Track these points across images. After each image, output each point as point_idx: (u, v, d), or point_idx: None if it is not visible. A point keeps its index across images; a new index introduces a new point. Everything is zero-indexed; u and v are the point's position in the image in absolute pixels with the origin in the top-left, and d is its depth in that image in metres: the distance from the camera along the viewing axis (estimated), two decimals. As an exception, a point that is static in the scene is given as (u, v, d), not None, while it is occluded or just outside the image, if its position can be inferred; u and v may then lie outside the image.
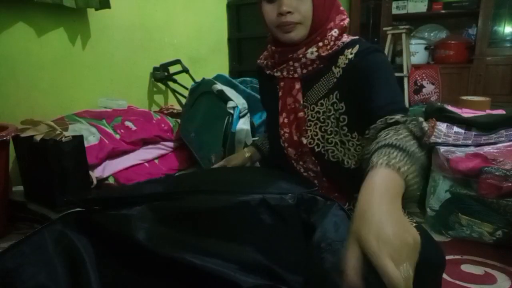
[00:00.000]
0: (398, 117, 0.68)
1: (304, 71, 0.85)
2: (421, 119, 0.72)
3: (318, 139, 0.86)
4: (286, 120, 0.89)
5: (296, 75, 0.86)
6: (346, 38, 0.84)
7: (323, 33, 0.82)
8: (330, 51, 0.83)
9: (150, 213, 0.68)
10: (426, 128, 0.69)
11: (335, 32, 0.83)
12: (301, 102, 0.86)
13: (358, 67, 0.79)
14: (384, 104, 0.73)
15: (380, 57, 0.81)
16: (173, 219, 0.68)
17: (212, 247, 0.63)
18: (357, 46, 0.81)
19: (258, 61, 0.98)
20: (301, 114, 0.86)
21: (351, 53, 0.81)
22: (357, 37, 0.87)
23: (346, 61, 0.81)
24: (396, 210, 0.47)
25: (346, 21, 0.86)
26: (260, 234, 0.66)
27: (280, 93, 0.90)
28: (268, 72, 0.93)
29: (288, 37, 0.82)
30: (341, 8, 0.87)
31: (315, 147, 0.86)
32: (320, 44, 0.82)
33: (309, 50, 0.82)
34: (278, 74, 0.89)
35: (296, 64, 0.85)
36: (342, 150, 0.85)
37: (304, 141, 0.87)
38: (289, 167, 0.93)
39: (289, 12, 0.78)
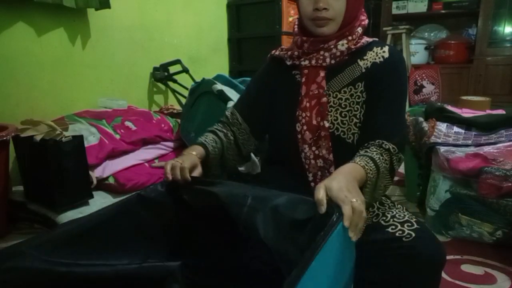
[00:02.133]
0: (390, 147, 0.84)
1: (333, 61, 0.91)
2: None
3: (338, 124, 0.91)
4: (308, 105, 0.93)
5: (324, 64, 0.92)
6: (367, 38, 0.94)
7: (352, 29, 0.90)
8: (357, 45, 0.91)
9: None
10: (400, 164, 0.87)
11: (359, 30, 0.92)
12: (325, 88, 0.92)
13: (391, 72, 0.89)
14: (388, 132, 0.86)
15: (405, 71, 0.93)
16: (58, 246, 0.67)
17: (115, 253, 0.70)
18: (387, 47, 0.91)
19: (276, 52, 1.01)
20: (324, 99, 0.91)
21: (384, 51, 0.90)
22: (376, 38, 0.95)
23: (379, 59, 0.90)
24: (352, 181, 0.70)
25: (366, 22, 0.94)
26: (148, 228, 0.76)
27: (303, 80, 0.94)
28: (289, 62, 0.97)
29: (321, 31, 0.88)
30: (363, 9, 0.96)
31: (335, 131, 0.91)
32: (350, 38, 0.90)
33: (340, 42, 0.89)
34: (306, 63, 0.93)
35: (326, 54, 0.91)
36: None
37: (326, 124, 0.91)
38: (297, 154, 0.95)
39: (324, 9, 0.85)
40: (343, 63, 0.92)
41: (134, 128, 1.77)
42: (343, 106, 0.91)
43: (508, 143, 1.37)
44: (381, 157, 0.80)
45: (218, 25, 2.97)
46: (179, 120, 2.02)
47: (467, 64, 3.77)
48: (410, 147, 1.63)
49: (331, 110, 0.91)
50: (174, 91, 2.44)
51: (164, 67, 2.37)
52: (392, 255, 0.73)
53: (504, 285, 1.10)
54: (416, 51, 4.03)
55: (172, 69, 2.40)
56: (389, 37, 3.78)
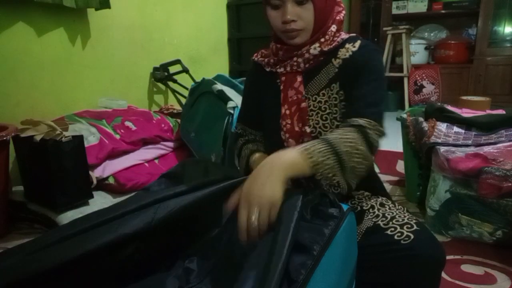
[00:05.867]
0: (362, 121, 0.80)
1: (307, 65, 0.90)
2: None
3: (320, 127, 0.90)
4: (288, 112, 0.92)
5: (299, 69, 0.91)
6: (344, 35, 0.91)
7: (325, 30, 0.88)
8: (331, 46, 0.88)
9: None
10: (382, 136, 0.83)
11: (333, 28, 0.89)
12: (303, 93, 0.91)
13: (359, 61, 0.86)
14: (358, 107, 0.83)
15: (379, 58, 0.90)
16: None
17: None
18: (359, 41, 0.89)
19: (255, 59, 1.01)
20: (303, 104, 0.90)
21: (354, 46, 0.88)
22: (354, 34, 0.93)
23: (349, 53, 0.88)
24: (273, 178, 0.66)
25: (342, 14, 0.91)
26: None
27: (282, 87, 0.93)
28: (268, 69, 0.96)
29: (293, 42, 0.87)
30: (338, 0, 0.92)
31: (318, 135, 0.89)
32: (322, 40, 0.88)
33: (313, 46, 0.88)
34: (282, 70, 0.93)
35: (300, 60, 0.89)
36: None
37: (308, 130, 0.90)
38: None
39: (293, 21, 0.83)
40: (318, 64, 0.90)
41: (134, 128, 1.77)
42: (323, 109, 0.90)
43: (508, 143, 1.37)
44: (342, 137, 0.75)
45: (218, 25, 2.97)
46: (179, 120, 2.02)
47: (467, 64, 3.77)
48: (410, 147, 1.63)
49: (312, 114, 0.90)
50: (174, 91, 2.44)
51: (164, 67, 2.37)
52: (391, 258, 0.73)
53: (504, 285, 1.10)
54: (416, 51, 4.03)
55: (172, 69, 2.40)
56: (389, 37, 3.78)
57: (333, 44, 0.88)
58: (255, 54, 1.02)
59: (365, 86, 0.84)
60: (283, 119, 0.93)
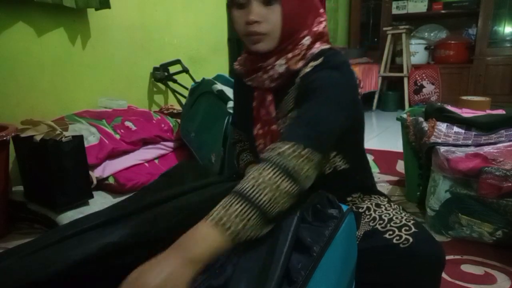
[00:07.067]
0: (285, 147, 0.63)
1: (272, 84, 0.81)
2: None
3: None
4: (261, 132, 0.87)
5: (265, 87, 0.83)
6: (315, 49, 0.80)
7: (296, 42, 0.79)
8: (299, 64, 0.78)
9: None
10: (313, 161, 0.65)
11: (307, 40, 0.79)
12: (273, 114, 0.83)
13: (305, 82, 0.77)
14: (287, 130, 0.71)
15: (327, 76, 0.75)
16: None
17: None
18: (321, 59, 0.78)
19: (235, 66, 0.93)
20: (274, 126, 0.83)
21: (311, 66, 0.78)
22: (327, 46, 0.81)
23: (307, 70, 0.78)
24: (172, 272, 0.51)
25: (322, 26, 0.81)
26: None
27: (254, 103, 0.87)
28: (243, 79, 0.89)
29: (255, 48, 0.78)
30: (321, 10, 0.82)
31: None
32: (290, 55, 0.78)
33: (278, 62, 0.78)
34: (250, 83, 0.86)
35: (265, 76, 0.81)
36: None
37: None
38: None
39: (256, 22, 0.74)
40: (287, 83, 0.81)
41: (134, 128, 1.77)
42: None
43: (508, 143, 1.37)
44: (258, 182, 0.60)
45: (218, 25, 2.97)
46: (179, 120, 2.02)
47: (467, 64, 3.77)
48: (410, 147, 1.63)
49: None
50: (174, 91, 2.44)
51: (164, 67, 2.37)
52: (391, 262, 0.72)
53: (504, 285, 1.10)
54: (416, 51, 4.03)
55: (172, 69, 2.40)
56: (389, 37, 3.78)
57: (301, 63, 0.78)
58: (235, 63, 0.93)
59: (303, 106, 0.73)
60: (256, 139, 0.88)
